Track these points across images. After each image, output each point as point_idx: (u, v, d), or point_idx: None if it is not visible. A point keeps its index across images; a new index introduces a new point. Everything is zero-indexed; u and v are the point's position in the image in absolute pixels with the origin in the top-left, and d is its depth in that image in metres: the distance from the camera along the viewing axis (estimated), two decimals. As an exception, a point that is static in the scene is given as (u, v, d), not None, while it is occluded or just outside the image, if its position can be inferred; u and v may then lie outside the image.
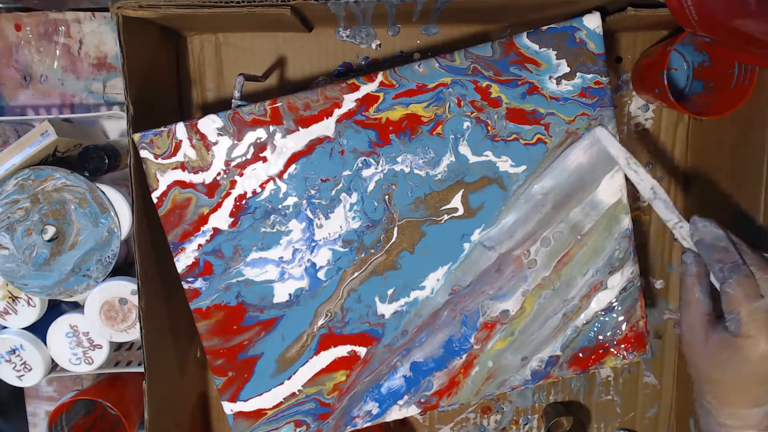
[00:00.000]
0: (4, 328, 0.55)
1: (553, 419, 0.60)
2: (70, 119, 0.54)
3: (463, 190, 0.47)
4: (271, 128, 0.45)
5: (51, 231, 0.51)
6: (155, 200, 0.46)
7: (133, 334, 0.54)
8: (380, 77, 0.45)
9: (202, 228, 0.46)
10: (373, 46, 0.55)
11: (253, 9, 0.44)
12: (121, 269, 0.56)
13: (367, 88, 0.45)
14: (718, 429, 0.41)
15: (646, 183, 0.45)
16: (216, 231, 0.47)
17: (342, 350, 0.49)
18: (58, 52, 0.56)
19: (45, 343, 0.55)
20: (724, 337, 0.40)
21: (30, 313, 0.54)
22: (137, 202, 0.46)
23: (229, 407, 0.50)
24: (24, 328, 0.55)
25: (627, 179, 0.47)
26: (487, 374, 0.50)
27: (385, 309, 0.49)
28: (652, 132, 0.57)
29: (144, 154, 0.45)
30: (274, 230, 0.47)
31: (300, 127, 0.45)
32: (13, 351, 0.54)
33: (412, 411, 0.51)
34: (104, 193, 0.51)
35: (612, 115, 0.46)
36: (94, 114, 0.54)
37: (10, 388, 0.57)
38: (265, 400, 0.50)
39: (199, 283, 0.47)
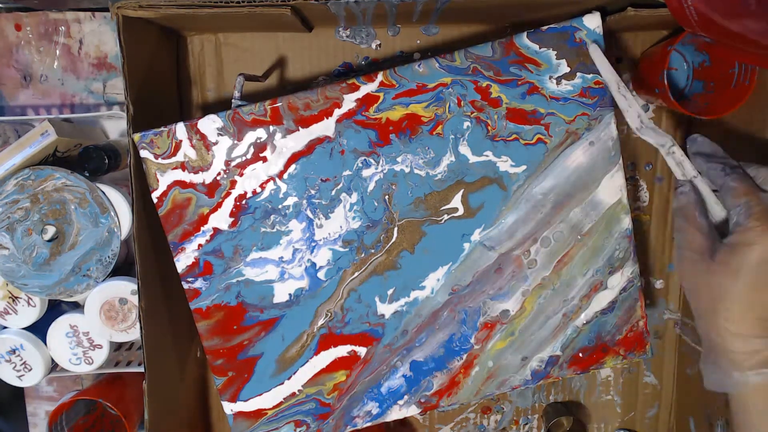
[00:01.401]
0: (4, 328, 0.55)
1: (553, 419, 0.60)
2: (70, 119, 0.54)
3: (463, 190, 0.47)
4: (271, 128, 0.45)
5: (51, 231, 0.51)
6: (155, 200, 0.46)
7: (133, 334, 0.54)
8: (380, 77, 0.45)
9: (202, 228, 0.46)
10: (373, 46, 0.55)
11: (253, 9, 0.44)
12: (121, 269, 0.56)
13: (367, 88, 0.45)
14: (729, 368, 0.39)
15: (634, 110, 0.45)
16: (216, 231, 0.47)
17: (342, 350, 0.49)
18: (58, 52, 0.56)
19: (45, 343, 0.55)
20: (731, 243, 0.39)
21: (30, 313, 0.54)
22: (137, 202, 0.46)
23: (229, 407, 0.50)
24: (24, 328, 0.55)
25: (627, 182, 0.47)
26: (487, 374, 0.50)
27: (385, 309, 0.49)
28: (652, 132, 0.57)
29: (144, 154, 0.45)
30: (274, 230, 0.47)
31: (300, 127, 0.45)
32: (13, 351, 0.54)
33: (412, 411, 0.51)
34: (104, 193, 0.51)
35: (612, 115, 0.46)
36: (94, 114, 0.54)
37: (10, 388, 0.57)
38: (265, 400, 0.50)
39: (199, 283, 0.47)
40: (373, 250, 0.48)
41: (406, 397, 0.50)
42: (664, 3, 0.44)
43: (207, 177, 0.46)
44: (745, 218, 0.39)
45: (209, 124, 0.45)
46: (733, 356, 0.39)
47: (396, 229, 0.47)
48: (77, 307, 0.58)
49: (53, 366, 0.56)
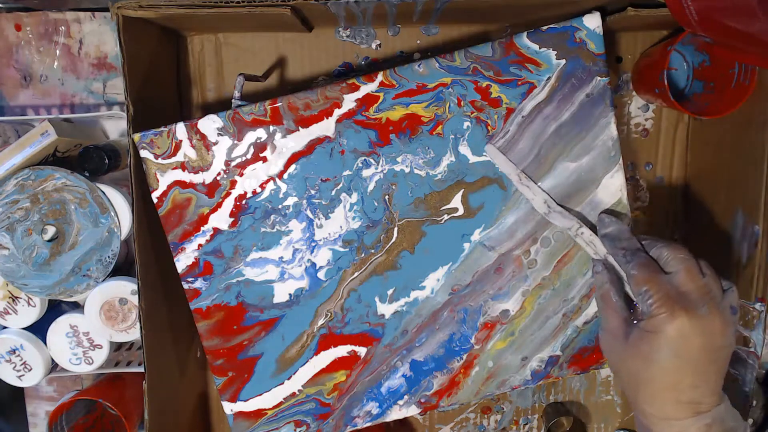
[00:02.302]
0: (4, 328, 0.55)
1: (553, 419, 0.60)
2: (70, 119, 0.54)
3: (463, 190, 0.47)
4: (271, 128, 0.45)
5: (51, 231, 0.51)
6: (155, 200, 0.46)
7: (133, 334, 0.54)
8: (380, 77, 0.45)
9: (202, 228, 0.46)
10: (373, 46, 0.55)
11: (253, 9, 0.44)
12: (121, 269, 0.56)
13: (367, 88, 0.45)
14: None
15: (539, 197, 0.46)
16: (216, 231, 0.47)
17: (342, 350, 0.49)
18: (58, 52, 0.56)
19: (45, 343, 0.55)
20: (642, 328, 0.39)
21: (30, 313, 0.54)
22: (137, 202, 0.46)
23: (229, 407, 0.50)
24: (24, 328, 0.55)
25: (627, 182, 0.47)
26: (487, 374, 0.50)
27: (385, 309, 0.49)
28: (652, 132, 0.57)
29: (144, 154, 0.45)
30: (274, 230, 0.47)
31: (300, 127, 0.45)
32: (13, 351, 0.54)
33: (412, 411, 0.51)
34: (104, 193, 0.51)
35: (612, 116, 0.46)
36: (94, 114, 0.54)
37: (10, 388, 0.57)
38: (265, 400, 0.50)
39: (199, 283, 0.47)
40: (373, 250, 0.48)
41: (406, 397, 0.50)
42: (664, 3, 0.44)
43: (207, 177, 0.46)
44: (648, 307, 0.39)
45: (209, 124, 0.45)
46: None
47: (396, 229, 0.47)
48: (77, 307, 0.58)
49: (53, 366, 0.56)
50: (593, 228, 0.46)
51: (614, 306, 0.42)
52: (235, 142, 0.45)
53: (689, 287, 0.39)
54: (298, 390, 0.50)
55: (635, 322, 0.41)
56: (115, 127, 0.57)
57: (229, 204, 0.46)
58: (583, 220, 0.47)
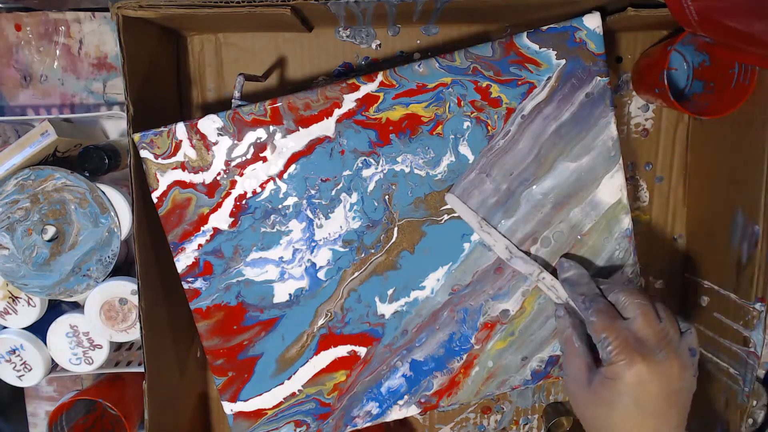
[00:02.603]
0: (4, 328, 0.55)
1: (553, 419, 0.60)
2: (70, 119, 0.54)
3: (463, 190, 0.47)
4: (271, 128, 0.45)
5: (51, 231, 0.51)
6: (155, 200, 0.46)
7: (133, 334, 0.54)
8: (380, 77, 0.45)
9: (202, 228, 0.46)
10: (373, 46, 0.55)
11: (253, 9, 0.44)
12: (121, 269, 0.56)
13: (367, 88, 0.45)
14: None
15: (501, 243, 0.47)
16: (216, 231, 0.47)
17: (342, 350, 0.49)
18: (58, 52, 0.56)
19: (45, 343, 0.55)
20: (603, 374, 0.40)
21: (30, 313, 0.54)
22: (137, 202, 0.46)
23: (229, 407, 0.50)
24: (24, 328, 0.55)
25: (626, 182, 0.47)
26: (488, 374, 0.50)
27: (385, 309, 0.49)
28: (652, 132, 0.58)
29: (144, 154, 0.45)
30: (274, 230, 0.47)
31: (300, 127, 0.45)
32: (13, 351, 0.54)
33: (412, 411, 0.51)
34: (104, 193, 0.51)
35: (612, 116, 0.46)
36: (94, 114, 0.54)
37: (10, 388, 0.57)
38: (265, 400, 0.50)
39: (199, 283, 0.47)
40: (373, 250, 0.48)
41: (406, 397, 0.50)
42: (664, 3, 0.44)
43: (207, 177, 0.46)
44: (608, 354, 0.39)
45: (209, 124, 0.45)
46: None
47: (396, 229, 0.47)
48: (77, 307, 0.58)
49: (53, 366, 0.56)
50: (556, 272, 0.47)
51: (576, 351, 0.43)
52: (235, 142, 0.45)
53: (646, 333, 0.40)
54: (298, 390, 0.50)
55: (598, 367, 0.42)
56: (115, 127, 0.57)
57: (229, 204, 0.46)
58: (545, 265, 0.47)
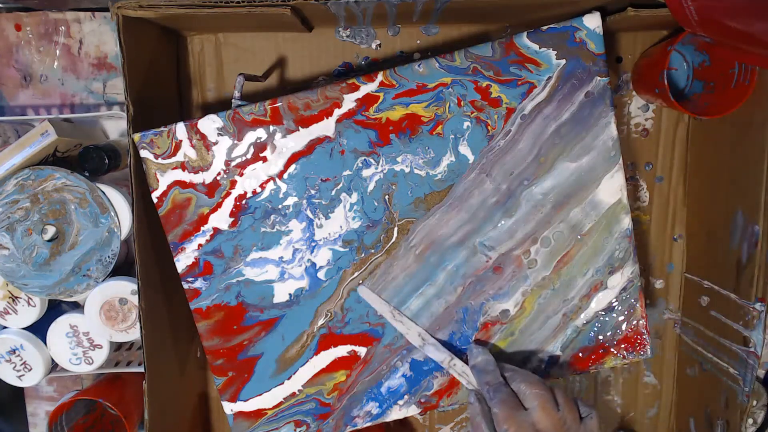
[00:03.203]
0: (4, 328, 0.55)
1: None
2: (70, 119, 0.54)
3: (463, 190, 0.47)
4: (271, 128, 0.45)
5: (51, 231, 0.51)
6: (155, 200, 0.46)
7: (133, 334, 0.54)
8: (380, 77, 0.45)
9: (202, 228, 0.46)
10: (373, 46, 0.55)
11: (253, 9, 0.44)
12: (121, 269, 0.56)
13: (367, 88, 0.45)
14: None
15: (414, 331, 0.48)
16: (216, 231, 0.47)
17: (342, 350, 0.49)
18: (58, 52, 0.56)
19: (45, 343, 0.55)
20: None
21: (30, 313, 0.54)
22: (137, 202, 0.46)
23: (229, 407, 0.50)
24: (24, 328, 0.55)
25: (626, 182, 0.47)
26: (487, 374, 0.50)
27: (385, 309, 0.48)
28: (652, 132, 0.58)
29: (144, 154, 0.45)
30: (274, 230, 0.47)
31: (300, 127, 0.45)
32: (13, 351, 0.54)
33: (412, 411, 0.51)
34: (104, 193, 0.51)
35: (612, 116, 0.46)
36: (94, 114, 0.54)
37: (10, 388, 0.57)
38: (265, 400, 0.50)
39: (199, 283, 0.47)
40: (373, 250, 0.48)
41: (406, 397, 0.50)
42: (664, 3, 0.44)
43: (207, 177, 0.46)
44: None
45: (209, 124, 0.45)
46: None
47: (396, 229, 0.47)
48: (77, 307, 0.58)
49: (53, 366, 0.56)
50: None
51: None
52: (235, 142, 0.45)
53: (545, 424, 0.41)
54: (298, 390, 0.50)
55: None
56: (115, 127, 0.57)
57: (229, 204, 0.46)
58: (456, 352, 0.48)
